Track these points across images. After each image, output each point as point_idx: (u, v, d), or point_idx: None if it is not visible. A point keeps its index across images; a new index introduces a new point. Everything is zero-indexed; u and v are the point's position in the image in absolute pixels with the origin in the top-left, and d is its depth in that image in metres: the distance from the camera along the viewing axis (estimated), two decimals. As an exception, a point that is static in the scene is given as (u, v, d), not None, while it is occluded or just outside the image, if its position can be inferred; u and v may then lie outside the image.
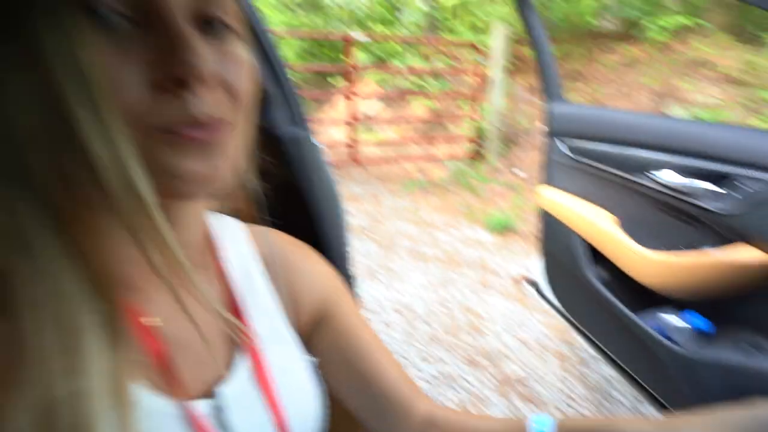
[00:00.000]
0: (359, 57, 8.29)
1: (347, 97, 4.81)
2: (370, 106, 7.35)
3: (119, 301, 0.32)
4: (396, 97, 6.84)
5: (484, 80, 5.30)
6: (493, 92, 5.01)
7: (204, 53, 0.29)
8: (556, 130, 1.59)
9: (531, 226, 3.58)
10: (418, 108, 6.64)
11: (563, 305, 1.70)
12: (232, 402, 0.40)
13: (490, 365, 2.03)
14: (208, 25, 0.32)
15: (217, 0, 0.32)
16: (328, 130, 7.30)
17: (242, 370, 0.42)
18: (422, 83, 6.79)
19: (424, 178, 5.16)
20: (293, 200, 0.67)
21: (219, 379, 0.41)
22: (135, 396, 0.30)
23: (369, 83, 7.77)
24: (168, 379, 0.36)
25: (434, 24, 7.92)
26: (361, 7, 8.64)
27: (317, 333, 0.54)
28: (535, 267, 1.89)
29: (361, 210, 4.15)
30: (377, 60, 8.02)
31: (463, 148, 5.55)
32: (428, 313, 2.45)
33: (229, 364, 0.42)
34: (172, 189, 0.31)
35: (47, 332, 0.27)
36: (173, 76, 0.28)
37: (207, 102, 0.30)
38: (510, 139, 5.20)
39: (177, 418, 0.35)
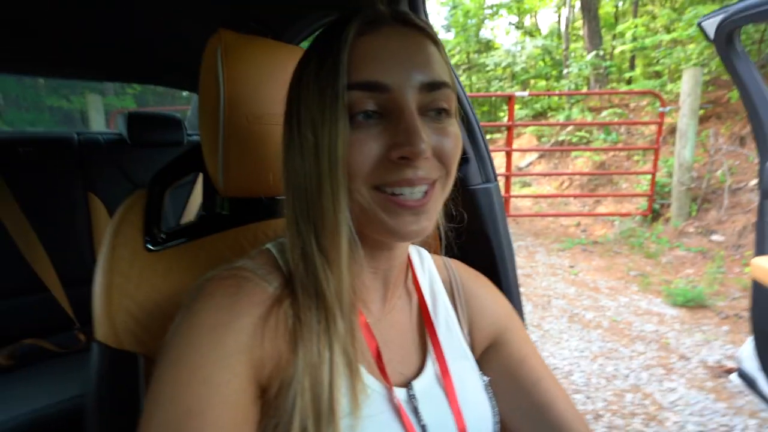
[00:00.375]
0: (517, 113, 8.35)
1: (507, 152, 4.87)
2: (526, 161, 7.22)
3: (353, 303, 0.46)
4: (556, 151, 6.57)
5: (664, 130, 4.68)
6: (680, 143, 4.37)
7: (426, 137, 0.40)
8: (774, 190, 1.34)
9: (733, 302, 2.89)
10: (582, 162, 6.22)
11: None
12: (422, 395, 0.50)
13: (673, 467, 1.67)
14: (433, 110, 0.43)
15: (440, 95, 0.43)
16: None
17: (430, 371, 0.52)
18: (587, 136, 6.38)
19: (584, 237, 4.71)
20: (478, 242, 0.78)
21: (413, 375, 0.52)
22: (359, 370, 0.43)
23: (527, 137, 7.69)
24: (379, 367, 0.48)
25: (603, 75, 7.47)
26: (521, 64, 8.78)
27: (491, 355, 0.60)
28: (745, 355, 1.53)
29: (511, 264, 4.02)
30: (537, 114, 7.93)
31: (636, 205, 4.90)
32: (588, 385, 2.18)
33: (421, 365, 0.53)
34: (386, 237, 0.44)
35: (316, 318, 0.43)
36: (402, 155, 0.40)
37: (422, 169, 0.42)
38: (702, 197, 4.37)
39: (384, 398, 0.47)
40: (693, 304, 3.03)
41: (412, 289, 0.59)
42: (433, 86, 0.42)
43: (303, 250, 0.44)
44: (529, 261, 4.12)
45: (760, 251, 1.38)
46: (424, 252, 0.64)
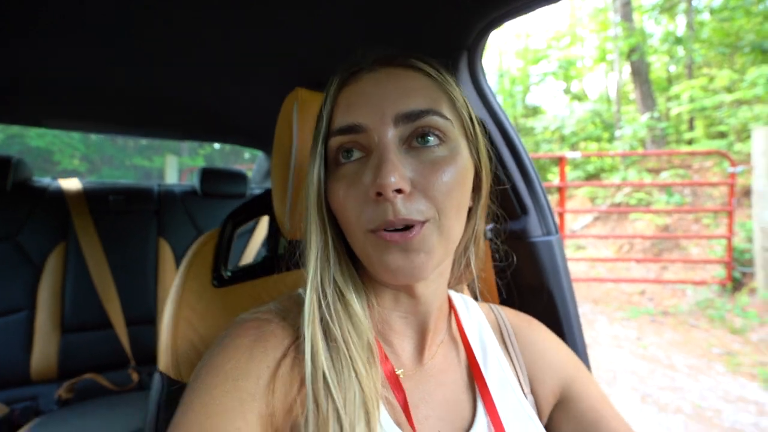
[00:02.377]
0: (568, 174, 8.19)
1: (560, 213, 4.72)
2: (580, 223, 6.92)
3: (378, 348, 0.44)
4: (614, 213, 6.25)
5: (736, 192, 4.33)
6: (759, 205, 4.00)
7: (400, 168, 0.39)
8: None
9: None
10: (643, 225, 5.84)
11: None
12: None
13: None
14: (418, 138, 0.42)
15: (422, 122, 0.41)
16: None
17: (481, 429, 0.46)
18: (647, 198, 6.06)
19: (652, 306, 4.27)
20: (541, 298, 0.73)
21: None
22: (377, 414, 0.40)
23: (580, 200, 7.44)
24: (408, 421, 0.43)
25: (660, 136, 7.23)
26: (570, 126, 8.77)
27: (561, 412, 0.53)
28: None
29: (569, 332, 3.69)
30: (589, 176, 7.72)
31: (711, 273, 4.43)
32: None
33: (470, 424, 0.46)
34: (386, 277, 0.42)
35: (330, 363, 0.41)
36: (376, 191, 0.39)
37: (404, 207, 0.39)
38: (792, 267, 3.87)
39: None
40: (798, 392, 2.56)
41: (458, 338, 0.54)
42: (411, 116, 0.41)
43: (317, 289, 0.44)
44: (589, 330, 3.77)
45: None
46: (470, 300, 0.60)
